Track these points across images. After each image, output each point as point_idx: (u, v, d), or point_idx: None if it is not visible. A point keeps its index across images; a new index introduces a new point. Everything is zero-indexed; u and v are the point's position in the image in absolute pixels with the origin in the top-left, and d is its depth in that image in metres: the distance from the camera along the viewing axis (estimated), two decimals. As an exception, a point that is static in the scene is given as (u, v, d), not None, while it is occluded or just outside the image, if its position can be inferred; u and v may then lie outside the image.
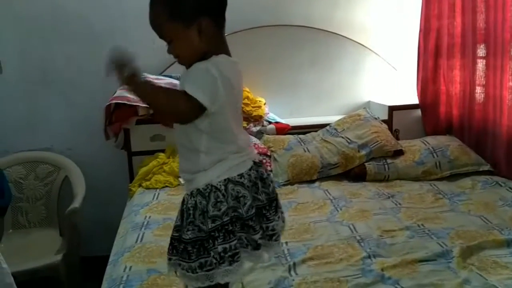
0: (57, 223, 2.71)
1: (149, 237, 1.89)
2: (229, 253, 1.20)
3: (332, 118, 2.90)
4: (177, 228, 1.29)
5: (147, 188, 2.46)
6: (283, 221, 1.37)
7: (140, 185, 2.50)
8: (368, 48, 3.06)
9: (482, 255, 1.60)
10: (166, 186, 2.45)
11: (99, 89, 2.78)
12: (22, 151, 2.77)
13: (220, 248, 1.19)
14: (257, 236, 1.25)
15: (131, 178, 2.69)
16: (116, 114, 2.58)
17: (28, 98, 2.80)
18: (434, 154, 2.50)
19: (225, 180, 1.23)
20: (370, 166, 2.48)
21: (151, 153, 2.64)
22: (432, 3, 2.81)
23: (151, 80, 1.32)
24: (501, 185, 2.26)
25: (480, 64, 2.50)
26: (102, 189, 2.81)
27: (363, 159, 2.50)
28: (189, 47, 1.21)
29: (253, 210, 1.24)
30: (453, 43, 2.70)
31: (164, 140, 2.66)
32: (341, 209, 2.07)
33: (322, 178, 2.48)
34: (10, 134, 2.79)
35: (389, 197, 2.22)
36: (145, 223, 2.02)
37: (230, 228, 1.21)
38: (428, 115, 2.89)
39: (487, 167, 2.44)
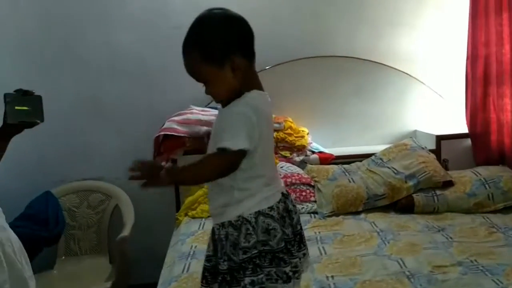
0: (107, 251, 2.81)
1: (195, 267, 1.90)
2: (257, 287, 1.22)
3: (377, 148, 2.87)
4: (208, 258, 1.33)
5: (193, 217, 2.51)
6: (308, 259, 1.38)
7: (186, 214, 2.55)
8: (413, 77, 3.03)
9: (543, 295, 1.52)
10: (212, 216, 2.49)
11: (148, 121, 2.92)
12: (76, 180, 2.91)
13: (247, 280, 1.22)
14: (287, 268, 1.26)
15: (178, 207, 2.75)
16: (165, 145, 2.66)
17: (82, 130, 2.95)
18: (486, 186, 2.41)
19: (255, 212, 1.25)
20: (418, 198, 2.42)
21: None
22: (479, 30, 2.76)
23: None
24: (560, 219, 2.14)
25: (533, 92, 2.42)
26: (149, 218, 2.89)
27: (410, 190, 2.44)
28: (225, 86, 1.25)
29: (283, 243, 1.26)
30: (502, 70, 2.63)
31: (210, 170, 2.71)
32: (388, 242, 2.03)
33: (368, 210, 2.44)
34: (65, 164, 2.94)
35: (439, 231, 2.15)
36: (191, 253, 2.05)
37: (258, 261, 1.23)
38: (479, 144, 2.80)
39: (544, 199, 2.33)
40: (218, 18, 1.27)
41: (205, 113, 2.72)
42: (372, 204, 2.44)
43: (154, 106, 2.95)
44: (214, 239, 1.30)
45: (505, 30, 2.57)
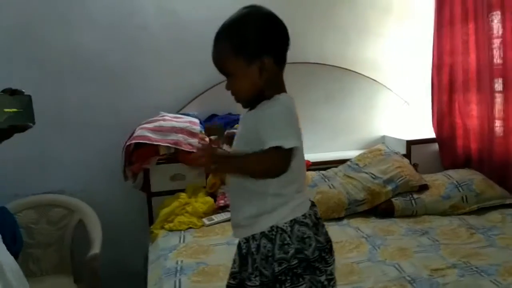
0: (71, 270, 2.58)
1: (187, 283, 1.79)
2: None
3: (349, 154, 2.90)
4: (234, 275, 1.26)
5: (171, 230, 2.37)
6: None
7: (162, 227, 2.41)
8: (381, 84, 3.09)
9: (541, 293, 1.57)
10: (190, 228, 2.37)
11: (113, 129, 2.74)
12: (33, 194, 2.65)
13: None
14: (323, 277, 1.21)
15: (150, 219, 2.60)
16: (137, 154, 2.51)
17: (40, 139, 2.69)
18: (460, 188, 2.49)
19: (291, 221, 1.19)
20: (397, 202, 2.45)
21: (171, 193, 2.56)
22: (444, 39, 2.88)
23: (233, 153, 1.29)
24: (531, 218, 2.25)
25: (498, 99, 2.55)
26: (117, 232, 2.69)
27: (389, 194, 2.47)
28: (249, 84, 1.21)
29: (318, 252, 1.20)
30: (468, 78, 2.76)
31: (184, 180, 2.60)
32: (379, 248, 2.03)
33: (349, 215, 2.43)
34: (20, 177, 2.68)
35: (423, 234, 2.19)
36: (179, 269, 1.93)
37: (299, 271, 1.17)
38: (446, 149, 2.92)
39: (512, 200, 2.45)
40: (262, 16, 1.23)
41: (178, 120, 2.60)
42: (353, 210, 2.45)
43: (120, 113, 2.78)
44: (242, 254, 1.22)
45: (471, 40, 2.70)
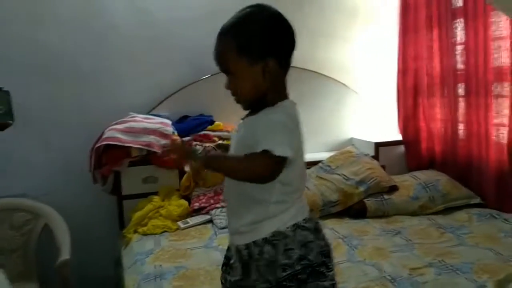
0: (36, 277, 2.45)
1: (169, 288, 1.75)
2: None
3: (318, 155, 2.94)
4: (238, 284, 1.22)
5: (144, 234, 2.31)
6: None
7: (135, 231, 2.34)
8: (348, 87, 3.16)
9: (514, 288, 1.66)
10: (165, 231, 2.32)
11: (80, 130, 2.65)
12: (-7, 198, 2.50)
13: None
14: (327, 283, 1.20)
15: (121, 223, 2.52)
16: (106, 156, 2.42)
17: (1, 139, 2.55)
18: (427, 189, 2.59)
19: (293, 225, 1.18)
20: (370, 203, 2.51)
21: (143, 196, 2.50)
22: (408, 45, 2.98)
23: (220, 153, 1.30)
24: (495, 217, 2.37)
25: (462, 103, 2.67)
26: (86, 237, 2.57)
27: (361, 195, 2.53)
28: (250, 85, 1.18)
29: (320, 256, 1.20)
30: (433, 83, 2.87)
31: (157, 182, 2.54)
32: (356, 248, 2.07)
33: (324, 216, 2.46)
34: (-22, 180, 2.52)
35: (396, 234, 2.25)
36: (158, 274, 1.88)
37: (304, 277, 1.16)
38: (411, 151, 3.02)
39: (477, 200, 2.56)
40: (270, 16, 1.20)
41: (150, 121, 2.54)
42: (327, 211, 2.48)
43: (87, 113, 2.67)
44: (244, 261, 1.19)
45: (435, 46, 2.81)
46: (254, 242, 1.17)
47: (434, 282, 1.72)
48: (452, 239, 2.18)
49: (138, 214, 2.38)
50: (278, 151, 1.07)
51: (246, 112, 1.27)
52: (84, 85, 2.67)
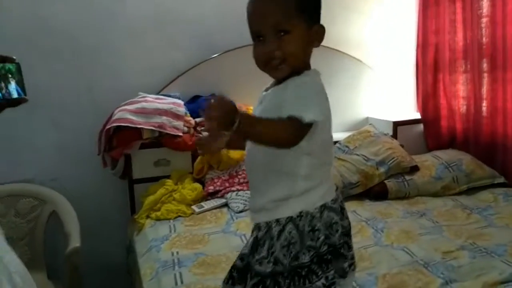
0: (44, 265, 2.36)
1: (188, 277, 1.66)
2: (327, 284, 1.09)
3: (335, 135, 2.80)
4: (242, 257, 1.15)
5: (158, 219, 2.21)
6: None
7: (148, 216, 2.24)
8: (365, 63, 3.03)
9: (555, 271, 1.57)
10: (179, 216, 2.22)
11: (88, 111, 2.52)
12: (-1, 183, 2.40)
13: (320, 283, 1.08)
14: (346, 264, 1.14)
15: (132, 208, 2.42)
16: (117, 138, 2.31)
17: (6, 122, 2.41)
18: (450, 169, 2.48)
19: (321, 206, 1.10)
20: (391, 184, 2.41)
21: (155, 179, 2.39)
22: (429, 19, 2.84)
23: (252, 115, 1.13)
24: (522, 197, 2.28)
25: (486, 78, 2.54)
26: (95, 223, 2.48)
27: (382, 176, 2.43)
28: (302, 48, 1.09)
29: (343, 237, 1.14)
30: (455, 58, 2.74)
31: (169, 165, 2.43)
32: (382, 231, 1.97)
33: (343, 199, 2.35)
34: (-17, 165, 2.41)
35: (421, 215, 2.16)
36: (176, 261, 1.79)
37: (329, 257, 1.09)
38: (430, 129, 2.91)
39: (501, 180, 2.47)
40: None
41: (161, 101, 2.42)
42: (347, 193, 2.38)
43: (94, 94, 2.54)
44: (258, 237, 1.12)
45: (458, 19, 2.67)
46: (277, 220, 1.09)
47: (470, 266, 1.63)
48: (479, 220, 2.09)
49: (150, 198, 2.27)
50: (307, 117, 0.99)
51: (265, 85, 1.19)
52: (90, 64, 2.53)
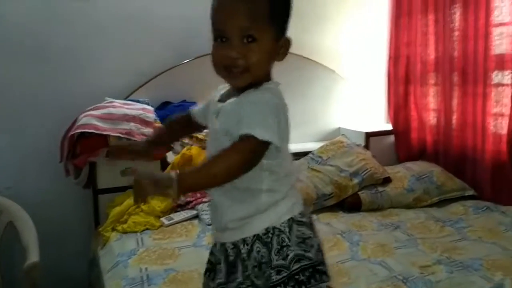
0: (0, 280, 2.19)
1: (159, 295, 1.56)
2: None
3: (307, 145, 2.80)
4: (221, 287, 1.08)
5: (124, 232, 2.09)
6: None
7: (114, 229, 2.12)
8: (337, 73, 3.02)
9: (532, 287, 1.57)
10: (148, 229, 2.11)
11: (51, 116, 2.38)
12: None
13: None
14: (324, 285, 1.06)
15: (96, 220, 2.29)
16: (81, 145, 2.18)
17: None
18: (421, 181, 2.49)
19: (288, 220, 1.05)
20: (364, 195, 2.39)
21: (121, 190, 2.26)
22: (401, 30, 2.87)
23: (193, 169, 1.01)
24: (492, 210, 2.30)
25: (457, 92, 2.57)
26: (55, 236, 2.33)
27: (356, 188, 2.40)
28: (267, 59, 1.03)
29: (321, 253, 1.08)
30: (426, 70, 2.77)
31: (137, 175, 2.31)
32: (358, 245, 1.93)
33: (317, 210, 2.32)
34: None
35: (396, 228, 2.14)
36: (145, 278, 1.68)
37: (301, 278, 1.02)
38: (401, 141, 2.93)
39: (471, 192, 2.49)
40: None
41: (130, 107, 2.31)
42: (321, 204, 2.34)
43: (57, 98, 2.41)
44: (229, 261, 1.05)
45: (430, 32, 2.70)
46: (243, 239, 1.04)
47: (448, 281, 1.61)
48: (453, 233, 2.09)
49: (116, 210, 2.15)
50: (263, 135, 0.93)
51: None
52: (54, 66, 2.39)
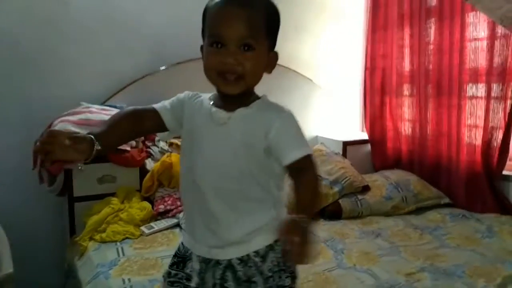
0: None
1: (144, 307, 1.50)
2: None
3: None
4: None
5: (103, 241, 2.01)
6: None
7: (91, 238, 2.04)
8: (314, 83, 3.05)
9: (514, 292, 1.62)
10: (127, 238, 2.04)
11: (23, 121, 2.28)
12: None
13: None
14: None
15: (72, 229, 2.20)
16: (57, 151, 2.09)
17: None
18: (399, 189, 2.54)
19: None
20: (345, 203, 2.41)
21: (99, 197, 2.20)
22: (377, 43, 2.93)
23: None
24: (467, 217, 2.36)
25: (432, 103, 2.65)
26: (28, 246, 2.23)
27: (336, 196, 2.42)
28: (261, 70, 1.04)
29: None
30: (401, 82, 2.84)
31: (114, 182, 2.25)
32: (343, 253, 1.94)
33: (298, 219, 2.31)
34: None
35: (377, 236, 2.16)
36: (128, 289, 1.62)
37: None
38: (377, 150, 2.98)
39: (447, 200, 2.56)
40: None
41: (107, 113, 2.24)
42: (302, 213, 2.33)
43: (31, 103, 2.31)
44: (239, 278, 1.03)
45: (406, 45, 2.78)
46: (256, 252, 1.04)
47: (434, 289, 1.64)
48: (432, 240, 2.13)
49: (94, 218, 2.07)
50: (311, 151, 1.06)
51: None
52: (25, 70, 2.29)
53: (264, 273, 1.03)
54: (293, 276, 1.08)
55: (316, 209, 1.08)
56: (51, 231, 2.31)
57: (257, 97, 1.08)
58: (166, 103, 1.12)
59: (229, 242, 1.04)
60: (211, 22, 1.01)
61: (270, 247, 1.04)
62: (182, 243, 1.15)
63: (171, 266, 1.14)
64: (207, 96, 1.10)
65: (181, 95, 1.13)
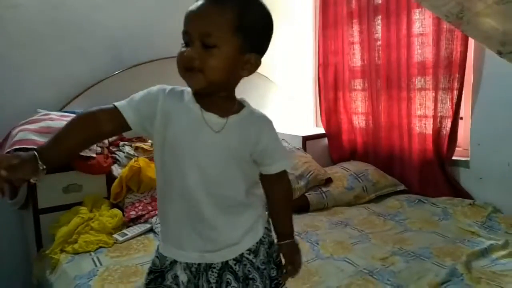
0: None
1: (135, 316, 1.49)
2: None
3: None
4: None
5: (76, 252, 1.95)
6: None
7: (62, 250, 1.96)
8: (271, 80, 3.11)
9: (478, 268, 1.77)
10: (101, 247, 1.99)
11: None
12: None
13: None
14: None
15: (39, 242, 2.10)
16: (19, 162, 1.98)
17: None
18: (359, 179, 2.67)
19: (265, 228, 1.15)
20: (311, 196, 2.50)
21: (65, 208, 2.12)
22: (329, 40, 3.05)
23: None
24: (424, 202, 2.54)
25: (383, 96, 2.81)
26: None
27: (303, 190, 2.51)
28: (225, 69, 0.98)
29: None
30: (353, 77, 2.97)
31: (81, 191, 2.17)
32: (318, 244, 2.02)
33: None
34: None
35: (346, 225, 2.27)
36: (115, 299, 1.59)
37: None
38: (333, 143, 3.10)
39: (402, 187, 2.73)
40: (268, 13, 1.06)
41: (68, 119, 2.13)
42: (271, 208, 2.39)
43: None
44: (237, 276, 1.07)
45: (356, 41, 2.91)
46: (235, 259, 1.08)
47: (407, 270, 1.75)
48: (395, 226, 2.27)
49: (63, 229, 1.99)
50: (290, 165, 1.24)
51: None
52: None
53: (259, 268, 1.09)
54: (278, 266, 1.16)
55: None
56: (13, 245, 2.19)
57: (240, 102, 1.09)
58: (134, 100, 1.04)
59: (226, 245, 1.06)
60: (184, 18, 1.00)
61: (260, 242, 1.10)
62: (157, 256, 1.12)
63: (148, 284, 1.11)
64: (189, 93, 1.04)
65: (153, 89, 1.05)
